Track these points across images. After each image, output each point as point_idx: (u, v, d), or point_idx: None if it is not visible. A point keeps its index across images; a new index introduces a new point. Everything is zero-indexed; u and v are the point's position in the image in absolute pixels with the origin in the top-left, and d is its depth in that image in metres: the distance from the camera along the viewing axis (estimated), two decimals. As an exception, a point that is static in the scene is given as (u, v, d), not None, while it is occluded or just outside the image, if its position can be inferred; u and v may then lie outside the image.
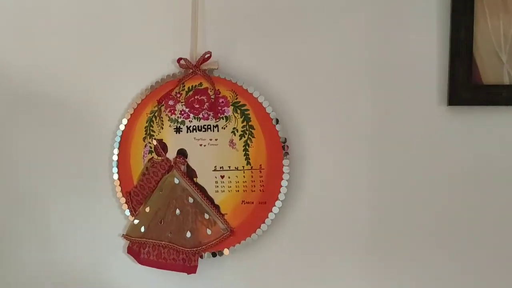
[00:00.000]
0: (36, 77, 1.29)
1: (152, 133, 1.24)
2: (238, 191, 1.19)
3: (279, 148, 1.16)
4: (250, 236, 1.17)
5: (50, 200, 1.31)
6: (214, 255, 1.19)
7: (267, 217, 1.16)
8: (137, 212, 1.25)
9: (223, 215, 1.19)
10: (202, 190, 1.21)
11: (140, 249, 1.23)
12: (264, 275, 1.20)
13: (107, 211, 1.28)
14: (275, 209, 1.15)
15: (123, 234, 1.25)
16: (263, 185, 1.17)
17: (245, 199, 1.18)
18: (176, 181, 1.22)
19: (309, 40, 1.17)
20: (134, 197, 1.25)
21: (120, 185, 1.26)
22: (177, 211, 1.22)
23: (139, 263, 1.23)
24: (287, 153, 1.16)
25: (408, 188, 1.13)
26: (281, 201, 1.15)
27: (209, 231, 1.20)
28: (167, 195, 1.23)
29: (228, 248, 1.18)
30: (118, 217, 1.28)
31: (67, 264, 1.30)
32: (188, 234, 1.21)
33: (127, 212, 1.25)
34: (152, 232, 1.23)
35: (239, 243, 1.18)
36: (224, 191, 1.19)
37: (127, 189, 1.25)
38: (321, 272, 1.17)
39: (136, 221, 1.24)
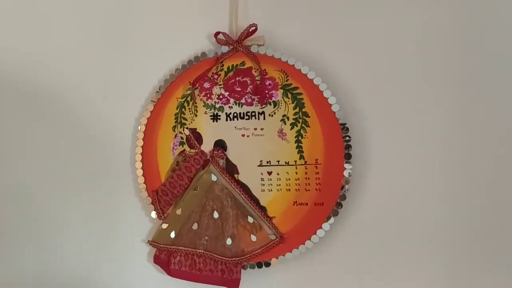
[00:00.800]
0: (53, 64, 1.09)
1: (183, 121, 1.05)
2: (289, 190, 1.00)
3: (339, 140, 0.97)
4: (303, 244, 0.98)
5: (63, 200, 1.11)
6: (259, 266, 1.01)
7: (325, 221, 0.97)
8: (165, 215, 1.05)
9: (270, 218, 1.00)
10: (245, 189, 1.02)
11: (170, 258, 1.04)
12: (320, 286, 1.01)
13: (129, 213, 1.09)
14: (334, 212, 0.97)
15: (148, 241, 1.06)
16: (319, 183, 0.98)
17: (297, 199, 0.99)
18: (214, 178, 1.03)
19: (375, 12, 0.98)
20: (162, 197, 1.05)
21: (145, 182, 1.06)
22: (215, 214, 1.03)
23: (169, 274, 1.04)
24: (349, 146, 0.97)
25: (488, 185, 0.94)
26: (341, 202, 0.96)
27: (253, 238, 1.01)
28: (203, 195, 1.03)
29: (277, 258, 1.00)
30: (142, 220, 1.09)
31: (82, 271, 1.11)
32: (229, 241, 1.02)
33: (153, 215, 1.06)
34: (184, 239, 1.04)
35: (290, 252, 0.99)
36: (271, 190, 1.01)
37: (153, 188, 1.06)
38: (390, 285, 0.98)
39: (164, 225, 1.05)
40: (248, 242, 1.02)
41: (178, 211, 1.05)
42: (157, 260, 1.06)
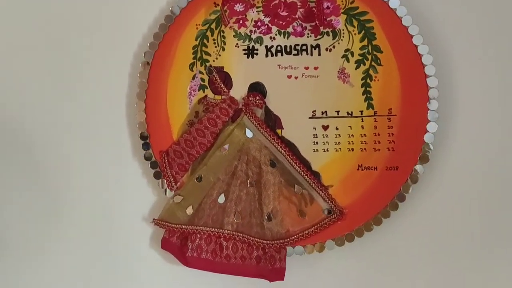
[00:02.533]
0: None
1: (205, 57, 0.77)
2: (352, 150, 0.75)
3: (423, 85, 0.72)
4: (370, 221, 0.73)
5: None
6: (310, 250, 0.75)
7: (399, 191, 0.73)
8: (178, 184, 0.78)
9: (326, 188, 0.75)
10: (291, 148, 0.75)
11: (186, 242, 0.77)
12: (390, 280, 0.77)
13: (127, 182, 0.80)
14: (412, 178, 0.72)
15: (154, 219, 0.77)
16: (393, 141, 0.74)
17: (363, 162, 0.75)
18: (248, 134, 0.76)
19: None
20: (175, 159, 0.77)
21: (149, 140, 0.78)
22: (250, 182, 0.76)
23: (185, 264, 0.77)
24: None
25: None
26: (423, 165, 0.72)
27: (302, 214, 0.75)
28: (233, 157, 0.77)
29: (333, 240, 0.75)
30: (144, 191, 0.81)
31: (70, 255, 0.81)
32: (269, 219, 0.75)
33: (162, 184, 0.77)
34: (205, 216, 0.77)
35: (352, 231, 0.74)
36: (328, 150, 0.75)
37: (161, 148, 0.78)
38: (482, 267, 0.76)
39: (177, 198, 0.77)
40: (295, 219, 0.76)
41: (198, 179, 0.77)
42: (166, 245, 0.78)
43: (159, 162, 0.78)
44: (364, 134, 0.75)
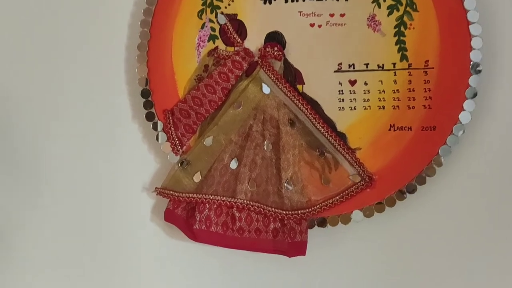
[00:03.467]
0: None
1: (217, 2, 0.68)
2: (383, 108, 0.66)
3: (464, 33, 0.63)
4: (403, 189, 0.64)
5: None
6: (334, 222, 0.66)
7: (437, 154, 0.64)
8: (185, 148, 0.68)
9: (353, 151, 0.66)
10: (314, 106, 0.66)
11: (193, 213, 0.67)
12: (426, 256, 0.68)
13: (125, 145, 0.71)
14: (451, 140, 0.63)
15: (156, 188, 0.68)
16: (429, 97, 0.65)
17: (395, 122, 0.66)
18: (265, 90, 0.67)
19: None
20: (181, 119, 0.68)
21: (151, 98, 0.68)
22: (267, 145, 0.67)
23: (192, 238, 0.68)
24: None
25: None
26: (463, 124, 0.63)
27: (326, 181, 0.66)
28: (247, 116, 0.68)
29: (361, 210, 0.66)
30: (145, 156, 0.71)
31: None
32: (288, 186, 0.66)
33: (165, 148, 0.68)
34: (215, 183, 0.68)
35: (382, 201, 0.65)
36: (355, 108, 0.67)
37: (165, 106, 0.68)
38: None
39: (184, 164, 0.68)
40: (317, 187, 0.67)
41: (207, 141, 0.68)
42: (170, 217, 0.69)
43: (162, 122, 0.69)
44: (397, 90, 0.66)
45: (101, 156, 0.72)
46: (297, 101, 0.67)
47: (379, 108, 0.67)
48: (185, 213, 0.69)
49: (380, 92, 0.66)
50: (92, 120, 0.72)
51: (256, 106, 0.68)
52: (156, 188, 0.69)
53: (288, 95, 0.67)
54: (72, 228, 0.72)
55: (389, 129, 0.67)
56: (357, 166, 0.67)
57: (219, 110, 0.69)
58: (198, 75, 0.69)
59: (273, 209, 0.67)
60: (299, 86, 0.68)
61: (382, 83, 0.66)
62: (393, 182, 0.66)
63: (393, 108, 0.66)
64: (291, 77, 0.68)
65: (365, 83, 0.67)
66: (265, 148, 0.68)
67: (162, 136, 0.69)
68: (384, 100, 0.66)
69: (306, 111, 0.67)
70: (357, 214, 0.66)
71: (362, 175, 0.66)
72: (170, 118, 0.69)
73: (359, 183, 0.66)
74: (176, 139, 0.69)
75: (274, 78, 0.67)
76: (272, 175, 0.68)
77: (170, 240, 0.71)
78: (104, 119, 0.72)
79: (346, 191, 0.67)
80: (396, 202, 0.66)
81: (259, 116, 0.68)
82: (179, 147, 0.69)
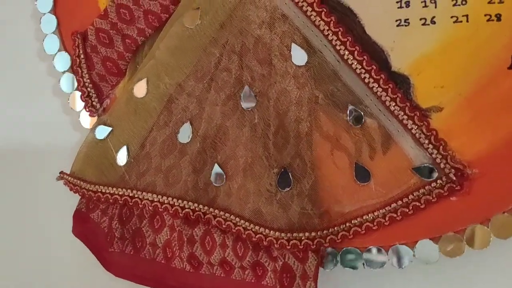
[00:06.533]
0: None
1: None
2: (498, 18, 0.29)
3: None
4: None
5: None
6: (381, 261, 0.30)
7: None
8: (107, 102, 0.36)
9: (424, 114, 0.30)
10: (344, 17, 0.31)
11: (116, 222, 0.35)
12: None
13: (17, 94, 0.40)
14: None
15: (61, 173, 0.36)
16: None
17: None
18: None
19: None
20: (100, 50, 0.37)
21: (53, 11, 0.36)
22: (246, 97, 0.32)
23: (107, 268, 0.35)
24: None
25: None
26: None
27: (363, 174, 0.30)
28: (211, 39, 0.33)
29: (436, 241, 0.29)
30: (52, 118, 0.39)
31: None
32: (283, 183, 0.31)
33: (74, 101, 0.36)
34: (153, 169, 0.35)
35: (485, 223, 0.28)
36: (434, 20, 0.30)
37: (74, 26, 0.36)
38: None
39: (102, 131, 0.35)
40: (345, 185, 0.33)
41: (138, 89, 0.35)
42: (80, 226, 0.37)
43: (70, 56, 0.38)
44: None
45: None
46: (311, 9, 0.32)
47: (488, 20, 0.30)
48: (107, 221, 0.37)
49: None
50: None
51: (228, 20, 0.34)
52: (61, 172, 0.38)
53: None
54: None
55: (510, 66, 0.30)
56: (432, 147, 0.30)
57: (162, 28, 0.36)
58: (129, -35, 0.37)
59: (254, 225, 0.33)
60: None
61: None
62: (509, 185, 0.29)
63: (520, 21, 0.29)
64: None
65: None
66: (243, 105, 0.34)
67: (68, 80, 0.38)
68: (500, 1, 0.30)
69: (328, 28, 0.32)
70: (426, 246, 0.30)
71: (443, 166, 0.30)
72: (80, 47, 0.37)
73: (435, 183, 0.30)
74: (90, 86, 0.37)
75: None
76: (256, 158, 0.34)
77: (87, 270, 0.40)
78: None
79: (407, 198, 0.31)
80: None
81: (232, 40, 0.34)
82: (96, 100, 0.37)
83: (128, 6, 0.37)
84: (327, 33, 0.32)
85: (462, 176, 0.30)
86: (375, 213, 0.32)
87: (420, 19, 0.31)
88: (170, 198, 0.35)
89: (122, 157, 0.37)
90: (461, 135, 0.31)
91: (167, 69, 0.35)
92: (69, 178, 0.38)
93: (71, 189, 0.38)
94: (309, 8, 0.33)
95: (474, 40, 0.30)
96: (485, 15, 0.30)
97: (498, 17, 0.30)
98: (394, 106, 0.31)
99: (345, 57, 0.32)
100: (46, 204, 0.41)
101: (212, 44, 0.34)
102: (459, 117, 0.31)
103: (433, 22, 0.31)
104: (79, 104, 0.38)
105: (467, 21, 0.30)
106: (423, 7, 0.31)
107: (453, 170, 0.30)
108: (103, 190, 0.37)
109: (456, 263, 0.31)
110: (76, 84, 0.38)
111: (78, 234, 0.38)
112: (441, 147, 0.31)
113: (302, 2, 0.33)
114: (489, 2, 0.30)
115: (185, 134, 0.35)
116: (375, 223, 0.32)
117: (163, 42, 0.35)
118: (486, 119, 0.30)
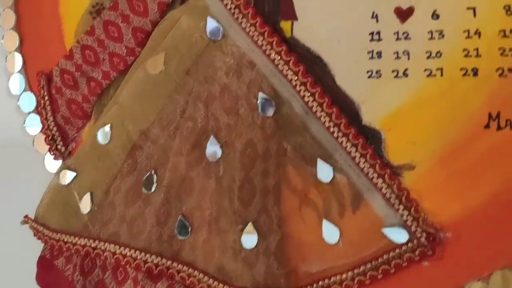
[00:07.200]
0: None
1: None
2: (474, 73, 0.28)
3: None
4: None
5: None
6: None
7: None
8: (72, 145, 0.34)
9: (395, 173, 0.27)
10: (313, 67, 0.29)
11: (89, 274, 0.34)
12: None
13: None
14: None
15: (25, 217, 0.34)
16: None
17: (501, 108, 0.27)
18: (213, 30, 0.31)
19: None
20: (65, 92, 0.35)
21: (19, 49, 0.35)
22: (211, 148, 0.31)
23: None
24: None
25: None
26: None
27: (332, 233, 0.29)
28: (177, 86, 0.32)
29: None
30: (20, 160, 0.38)
31: None
32: (249, 239, 0.29)
33: (39, 144, 0.35)
34: (116, 219, 0.33)
35: None
36: (406, 72, 0.29)
37: (40, 65, 0.34)
38: None
39: (67, 175, 0.34)
40: (313, 244, 0.31)
41: (102, 135, 0.34)
42: (45, 275, 0.36)
43: (36, 96, 0.36)
44: (510, 31, 0.27)
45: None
46: (278, 57, 0.31)
47: (464, 74, 0.28)
48: (71, 270, 0.36)
49: (467, 37, 0.28)
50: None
51: (193, 66, 0.32)
52: (25, 216, 0.37)
53: (261, 43, 0.31)
54: None
55: (486, 125, 0.28)
56: (402, 207, 0.29)
57: (128, 71, 0.34)
58: (97, 4, 0.35)
59: (218, 283, 0.32)
60: (284, 24, 0.31)
61: (474, 14, 0.27)
62: (487, 250, 0.27)
63: (500, 75, 0.27)
64: (270, 4, 0.31)
65: (434, 15, 0.28)
66: (208, 156, 0.32)
67: (33, 121, 0.36)
68: (477, 55, 0.28)
69: (296, 78, 0.30)
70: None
71: (414, 229, 0.28)
72: (45, 88, 0.36)
73: (406, 247, 0.28)
74: (55, 129, 0.36)
75: (233, 5, 0.31)
76: (221, 212, 0.32)
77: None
78: None
79: (376, 261, 0.29)
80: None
81: (198, 88, 0.32)
82: (61, 144, 0.36)
83: (93, 47, 0.35)
84: (295, 83, 0.31)
85: (434, 240, 0.29)
86: (344, 275, 0.30)
87: (392, 71, 0.29)
88: (133, 251, 0.34)
89: (85, 204, 0.35)
90: (434, 196, 0.29)
91: (131, 115, 0.34)
92: (33, 224, 0.37)
93: (34, 235, 0.37)
94: (277, 56, 0.31)
95: (449, 96, 0.28)
96: (461, 69, 0.28)
97: (475, 72, 0.28)
98: (364, 163, 0.30)
99: (314, 109, 0.30)
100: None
101: (177, 91, 0.33)
102: (433, 176, 0.29)
103: (405, 75, 0.29)
104: (43, 146, 0.37)
105: (442, 75, 0.29)
106: (395, 58, 0.29)
107: (424, 234, 0.29)
108: (65, 239, 0.36)
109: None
110: (41, 126, 0.37)
111: (42, 284, 0.37)
112: (412, 208, 0.29)
113: (270, 50, 0.31)
114: (465, 56, 0.28)
115: (149, 183, 0.34)
116: (343, 287, 0.30)
117: (126, 87, 0.34)
118: (461, 180, 0.28)
